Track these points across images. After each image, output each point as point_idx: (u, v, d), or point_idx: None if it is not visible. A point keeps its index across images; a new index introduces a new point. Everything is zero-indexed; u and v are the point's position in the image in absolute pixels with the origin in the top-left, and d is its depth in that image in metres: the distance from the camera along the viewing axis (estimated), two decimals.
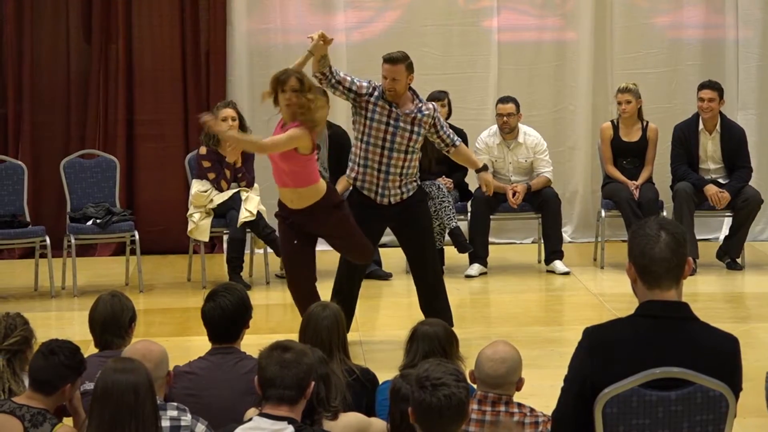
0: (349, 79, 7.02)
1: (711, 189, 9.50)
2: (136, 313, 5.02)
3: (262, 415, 3.90)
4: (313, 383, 3.98)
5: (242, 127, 9.24)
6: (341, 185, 9.55)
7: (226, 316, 4.78)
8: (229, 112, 9.17)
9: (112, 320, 4.90)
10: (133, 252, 9.32)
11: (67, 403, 4.48)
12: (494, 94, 10.51)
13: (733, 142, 9.67)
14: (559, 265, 9.58)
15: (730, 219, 9.81)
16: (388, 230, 7.56)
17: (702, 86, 9.66)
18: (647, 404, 3.48)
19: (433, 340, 4.74)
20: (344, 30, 10.70)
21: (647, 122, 9.87)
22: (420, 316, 6.57)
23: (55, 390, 4.30)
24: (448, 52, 10.76)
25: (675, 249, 3.55)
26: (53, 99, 10.62)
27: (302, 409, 3.96)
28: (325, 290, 9.05)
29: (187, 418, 4.22)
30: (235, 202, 9.08)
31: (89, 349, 5.05)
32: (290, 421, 3.86)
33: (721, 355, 3.57)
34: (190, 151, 9.96)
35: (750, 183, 9.71)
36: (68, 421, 4.51)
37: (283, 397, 3.88)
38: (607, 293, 8.85)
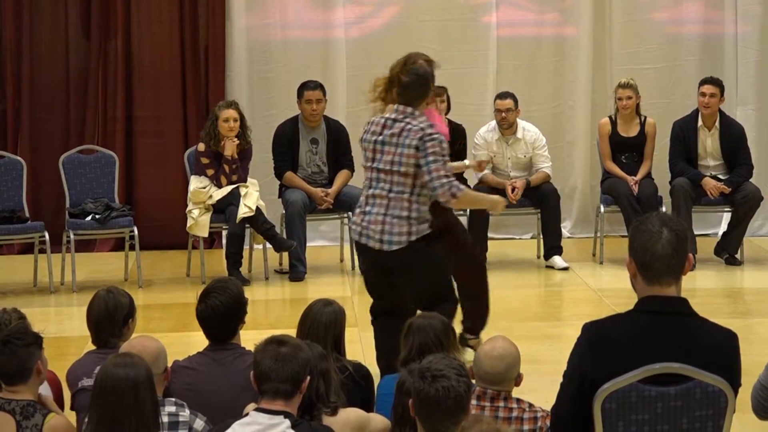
0: None
1: (709, 182, 9.50)
2: (134, 309, 4.96)
3: (258, 410, 3.89)
4: (308, 378, 3.97)
5: (243, 126, 9.22)
6: (341, 179, 9.54)
7: (219, 317, 4.75)
8: (231, 113, 9.14)
9: (106, 318, 4.84)
10: (132, 247, 9.31)
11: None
12: (493, 89, 10.48)
13: (733, 140, 9.65)
14: (558, 260, 9.58)
15: (729, 215, 9.81)
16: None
17: (703, 81, 9.65)
18: (646, 400, 3.48)
19: (428, 330, 4.73)
20: (343, 25, 10.68)
21: (645, 117, 9.86)
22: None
23: (30, 372, 4.22)
24: (447, 47, 10.70)
25: (677, 246, 3.55)
26: (52, 95, 10.60)
27: (298, 404, 3.95)
28: (323, 285, 9.08)
29: (185, 414, 4.22)
30: (234, 198, 9.06)
31: (88, 345, 5.04)
32: (286, 415, 3.86)
33: (720, 350, 3.57)
34: (189, 146, 9.94)
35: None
36: None
37: (278, 391, 3.88)
38: (606, 289, 8.84)
